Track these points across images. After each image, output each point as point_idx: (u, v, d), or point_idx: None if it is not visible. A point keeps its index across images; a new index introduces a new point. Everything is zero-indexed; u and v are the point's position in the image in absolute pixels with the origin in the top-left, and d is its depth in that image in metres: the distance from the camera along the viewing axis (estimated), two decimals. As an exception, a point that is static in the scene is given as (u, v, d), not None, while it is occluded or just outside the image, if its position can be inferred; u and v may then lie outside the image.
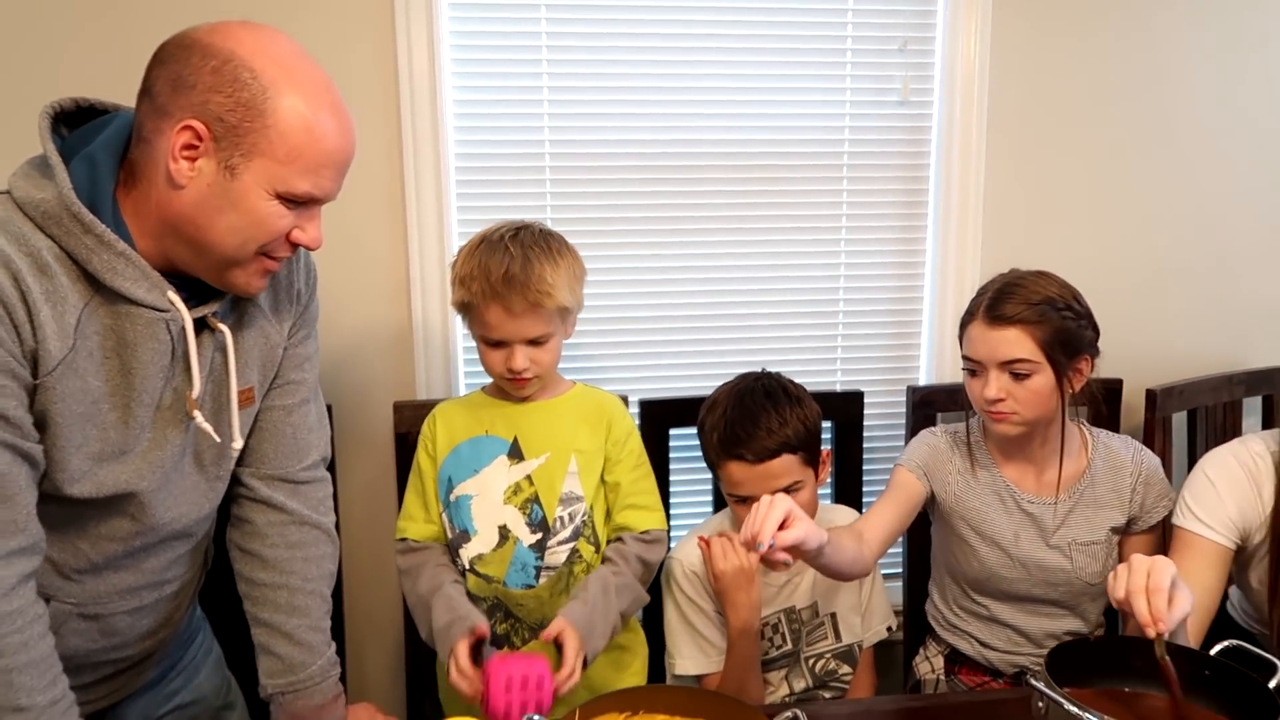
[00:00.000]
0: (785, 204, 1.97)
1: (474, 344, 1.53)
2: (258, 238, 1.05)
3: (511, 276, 1.41)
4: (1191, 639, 1.26)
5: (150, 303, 1.04)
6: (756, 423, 1.51)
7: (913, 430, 1.86)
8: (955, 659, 1.69)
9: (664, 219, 1.94)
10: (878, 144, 1.97)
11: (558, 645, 1.34)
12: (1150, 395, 1.90)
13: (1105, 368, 1.95)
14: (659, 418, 1.86)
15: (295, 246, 1.10)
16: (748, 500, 1.51)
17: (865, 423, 1.93)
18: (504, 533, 1.50)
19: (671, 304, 1.97)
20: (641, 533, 1.54)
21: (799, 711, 0.98)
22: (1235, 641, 1.17)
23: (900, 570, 1.99)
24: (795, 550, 1.23)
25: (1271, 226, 2.09)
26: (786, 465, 1.52)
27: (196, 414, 1.11)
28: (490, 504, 1.50)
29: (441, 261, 1.84)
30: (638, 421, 1.84)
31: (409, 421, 1.75)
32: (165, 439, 1.11)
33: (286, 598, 1.23)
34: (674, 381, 1.97)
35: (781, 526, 1.21)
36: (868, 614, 1.66)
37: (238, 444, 1.18)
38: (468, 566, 1.51)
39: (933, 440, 1.65)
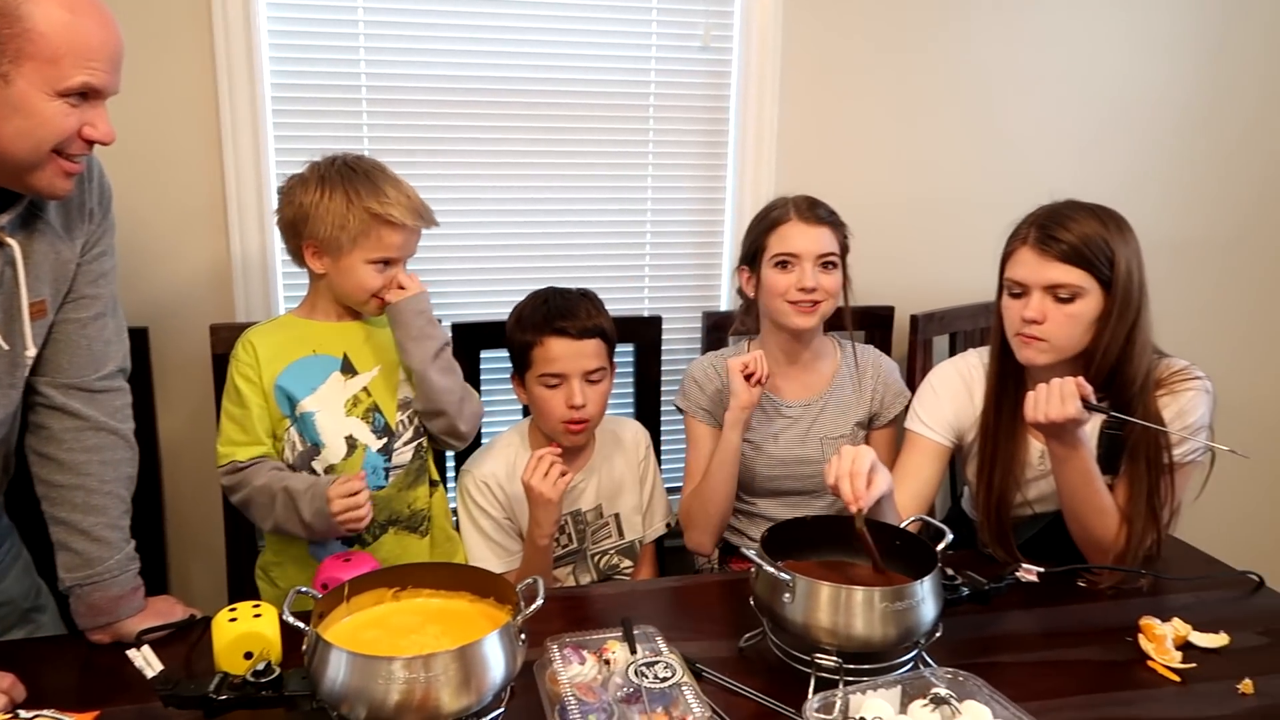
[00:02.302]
0: (595, 140, 2.09)
1: (294, 268, 1.64)
2: (47, 138, 1.12)
3: (417, 202, 1.58)
4: (902, 518, 1.47)
5: (-66, 216, 1.10)
6: (576, 305, 1.69)
7: (706, 350, 2.05)
8: (728, 551, 1.90)
9: (478, 152, 2.04)
10: (681, 86, 2.11)
11: None
12: (914, 320, 2.13)
13: (880, 295, 2.18)
14: (471, 339, 1.97)
15: (90, 144, 1.16)
16: (559, 380, 1.66)
17: (664, 344, 2.09)
18: (351, 442, 1.60)
19: (484, 233, 2.08)
20: None
21: (539, 577, 1.13)
22: (922, 517, 1.39)
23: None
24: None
25: (1041, 168, 2.30)
26: (597, 349, 1.68)
27: (-16, 323, 1.18)
28: (333, 417, 1.60)
29: (259, 189, 1.90)
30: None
31: (226, 343, 1.78)
32: (-46, 347, 1.17)
33: (84, 498, 1.32)
34: (485, 307, 2.09)
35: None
36: (648, 514, 1.84)
37: (30, 352, 1.24)
38: (322, 476, 1.59)
39: (700, 375, 1.84)
